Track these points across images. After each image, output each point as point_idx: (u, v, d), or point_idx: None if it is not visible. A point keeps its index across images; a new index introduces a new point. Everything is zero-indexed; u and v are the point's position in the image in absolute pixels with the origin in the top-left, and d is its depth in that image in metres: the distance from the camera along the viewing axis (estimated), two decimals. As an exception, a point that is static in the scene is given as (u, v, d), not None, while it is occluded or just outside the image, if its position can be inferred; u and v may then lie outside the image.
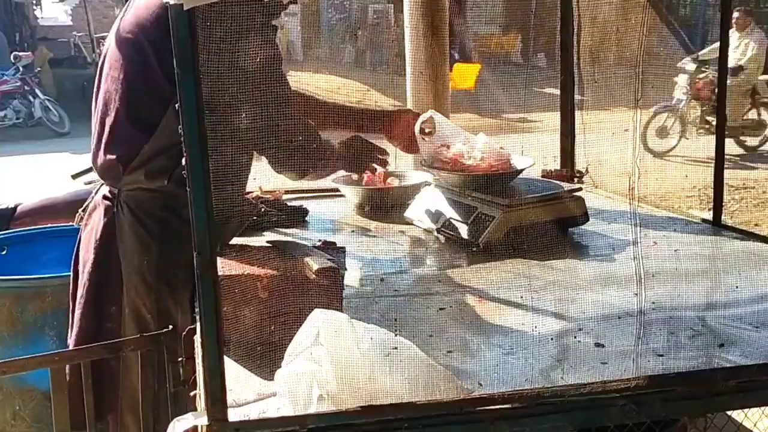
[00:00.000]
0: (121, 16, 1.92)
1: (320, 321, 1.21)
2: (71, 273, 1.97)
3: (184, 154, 1.09)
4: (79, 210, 1.99)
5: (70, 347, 1.89)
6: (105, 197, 1.89)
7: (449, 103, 3.35)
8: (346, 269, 1.61)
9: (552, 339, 1.41)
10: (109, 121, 1.87)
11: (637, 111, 1.53)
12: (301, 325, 1.23)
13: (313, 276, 1.47)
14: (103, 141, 1.87)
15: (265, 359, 1.30)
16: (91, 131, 1.92)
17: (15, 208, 3.02)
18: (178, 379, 1.59)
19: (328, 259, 1.53)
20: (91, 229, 1.90)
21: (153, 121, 1.79)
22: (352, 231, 2.20)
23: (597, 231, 2.09)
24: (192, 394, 1.38)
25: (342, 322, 1.21)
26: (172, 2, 1.04)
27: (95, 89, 1.94)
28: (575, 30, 2.60)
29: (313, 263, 1.49)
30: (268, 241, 1.80)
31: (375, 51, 15.62)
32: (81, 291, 1.89)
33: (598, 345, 1.39)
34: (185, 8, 1.05)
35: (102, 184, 1.92)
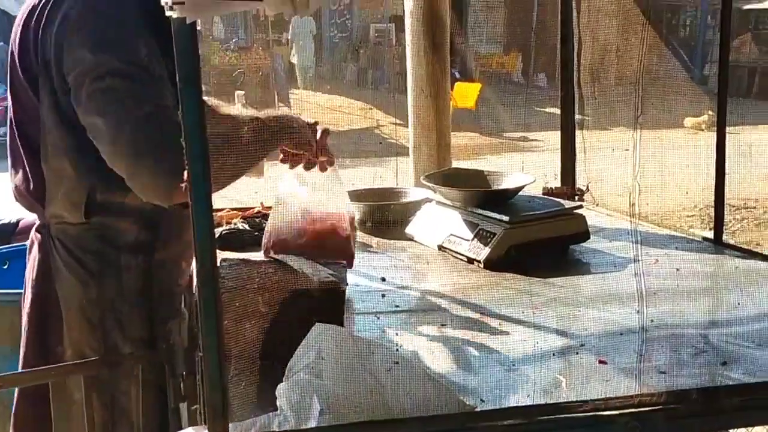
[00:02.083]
0: None
1: (322, 335, 1.21)
2: (21, 310, 1.86)
3: (185, 167, 1.08)
4: (18, 249, 1.92)
5: (16, 392, 1.79)
6: (38, 230, 1.78)
7: (450, 120, 3.37)
8: (347, 284, 1.60)
9: (554, 355, 1.41)
10: (12, 150, 1.77)
11: (637, 128, 1.53)
12: (302, 339, 1.23)
13: (315, 291, 1.46)
14: (14, 172, 1.77)
15: (266, 373, 1.29)
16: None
17: (17, 222, 3.03)
18: (179, 395, 1.58)
19: (330, 274, 1.52)
20: (30, 266, 1.81)
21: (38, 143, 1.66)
22: (353, 247, 2.20)
23: (598, 249, 2.09)
24: (193, 408, 1.38)
25: (343, 337, 1.20)
26: (175, 16, 1.05)
27: None
28: (576, 48, 2.62)
29: (315, 278, 1.49)
30: (268, 256, 1.80)
31: (377, 69, 15.73)
32: (23, 333, 1.80)
33: (600, 362, 1.38)
34: (188, 22, 1.05)
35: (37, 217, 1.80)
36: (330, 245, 1.65)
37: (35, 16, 1.66)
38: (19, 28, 1.70)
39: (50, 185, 1.68)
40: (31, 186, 1.72)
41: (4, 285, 2.51)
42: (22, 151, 1.73)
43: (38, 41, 1.64)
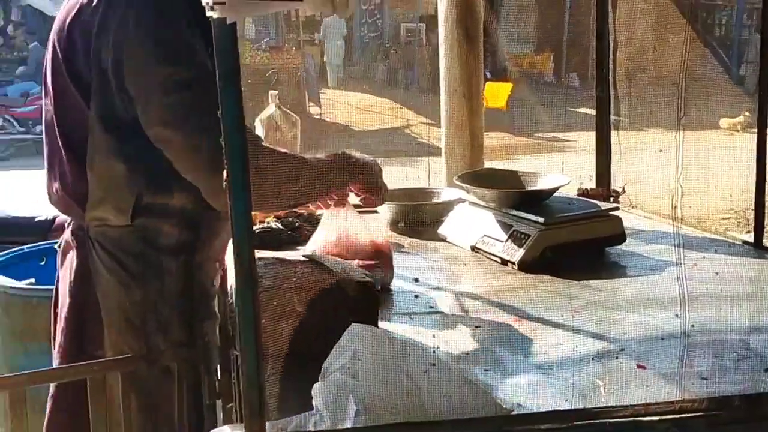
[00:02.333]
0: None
1: (357, 335, 1.20)
2: (51, 314, 1.84)
3: (225, 167, 1.09)
4: (54, 245, 1.87)
5: (49, 401, 1.79)
6: (74, 233, 1.75)
7: (483, 120, 3.35)
8: (381, 285, 1.60)
9: (593, 360, 1.39)
10: (50, 151, 1.75)
11: (679, 129, 1.51)
12: (337, 339, 1.23)
13: (350, 291, 1.46)
14: (51, 174, 1.75)
15: (302, 373, 1.29)
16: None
17: (53, 219, 3.08)
18: (214, 393, 1.59)
19: (365, 274, 1.52)
20: (66, 269, 1.78)
21: (85, 146, 1.65)
22: (387, 247, 2.19)
23: (635, 251, 2.06)
24: (228, 406, 1.38)
25: (379, 337, 1.20)
26: (215, 16, 1.05)
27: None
28: (611, 48, 2.59)
29: (350, 278, 1.49)
30: (304, 255, 1.80)
31: (407, 69, 15.73)
32: (59, 338, 1.77)
33: (640, 366, 1.36)
34: (228, 22, 1.06)
35: (71, 218, 1.79)
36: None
37: (82, 20, 1.64)
38: (65, 31, 1.68)
39: (94, 189, 1.67)
40: (70, 188, 1.71)
41: (41, 281, 2.55)
42: (63, 151, 1.72)
43: (91, 49, 1.62)
